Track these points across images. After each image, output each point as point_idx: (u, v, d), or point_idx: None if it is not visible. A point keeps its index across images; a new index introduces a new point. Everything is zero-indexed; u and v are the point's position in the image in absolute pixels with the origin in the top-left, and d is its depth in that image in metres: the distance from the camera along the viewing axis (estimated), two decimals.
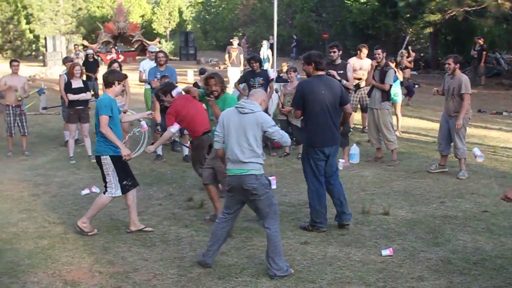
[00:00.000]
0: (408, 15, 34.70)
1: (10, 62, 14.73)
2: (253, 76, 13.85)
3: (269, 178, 8.02)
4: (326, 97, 8.44)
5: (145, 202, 10.18)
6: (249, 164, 6.97)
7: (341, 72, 12.40)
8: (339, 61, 12.61)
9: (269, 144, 13.91)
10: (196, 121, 10.14)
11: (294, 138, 13.70)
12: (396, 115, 16.16)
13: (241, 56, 25.95)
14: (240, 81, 14.72)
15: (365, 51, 15.41)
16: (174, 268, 7.28)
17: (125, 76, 8.86)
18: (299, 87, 9.03)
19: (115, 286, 6.79)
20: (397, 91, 15.99)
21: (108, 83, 8.55)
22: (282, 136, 7.19)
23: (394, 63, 16.35)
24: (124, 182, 8.52)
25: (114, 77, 8.57)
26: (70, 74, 13.58)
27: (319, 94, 8.36)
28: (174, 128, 9.82)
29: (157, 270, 7.25)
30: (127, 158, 8.38)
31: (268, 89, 13.87)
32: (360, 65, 15.25)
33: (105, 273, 7.17)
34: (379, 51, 12.47)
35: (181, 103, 10.15)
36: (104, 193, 8.58)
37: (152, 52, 15.50)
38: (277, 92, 13.67)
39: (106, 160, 8.38)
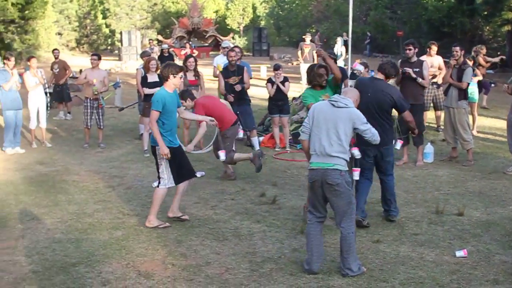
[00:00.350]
0: (485, 13, 34.06)
1: (91, 56, 15.06)
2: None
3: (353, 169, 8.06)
4: (372, 99, 8.54)
5: (217, 196, 10.25)
6: (335, 159, 6.90)
7: (417, 70, 12.20)
8: (414, 58, 12.41)
9: None
10: (225, 113, 10.91)
11: None
12: (473, 114, 15.88)
13: (314, 53, 25.86)
14: None
15: (434, 48, 15.18)
16: (246, 263, 7.32)
17: (180, 69, 8.77)
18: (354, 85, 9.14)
19: (188, 278, 6.86)
20: (474, 90, 15.71)
21: (163, 77, 8.65)
22: (373, 135, 7.14)
23: (472, 61, 16.04)
24: (177, 173, 8.67)
25: (168, 71, 8.57)
26: (146, 68, 13.76)
27: (365, 95, 8.28)
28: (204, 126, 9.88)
29: (229, 264, 7.29)
30: (164, 157, 8.43)
31: (343, 86, 13.75)
32: (431, 63, 15.02)
33: (177, 265, 7.25)
34: (457, 48, 12.23)
35: (206, 99, 10.99)
36: (158, 186, 8.76)
37: (225, 48, 15.55)
38: None
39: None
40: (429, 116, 16.29)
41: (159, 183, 8.72)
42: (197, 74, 13.68)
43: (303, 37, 26.32)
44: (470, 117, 15.09)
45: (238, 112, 11.95)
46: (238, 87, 13.08)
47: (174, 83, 8.62)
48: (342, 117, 6.94)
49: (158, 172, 8.67)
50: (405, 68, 11.98)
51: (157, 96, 8.45)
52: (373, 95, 8.59)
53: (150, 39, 33.13)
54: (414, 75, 11.88)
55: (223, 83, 13.29)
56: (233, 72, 13.26)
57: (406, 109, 8.88)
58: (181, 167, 8.73)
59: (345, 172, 6.96)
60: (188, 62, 13.61)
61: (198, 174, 11.47)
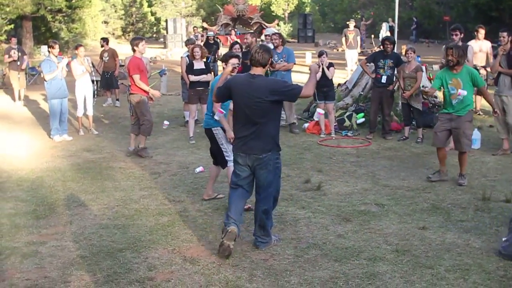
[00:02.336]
0: None
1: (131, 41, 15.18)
2: (383, 58, 13.66)
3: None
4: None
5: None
6: None
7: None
8: (460, 43, 12.25)
9: (386, 127, 13.79)
10: None
11: (414, 122, 13.56)
12: None
13: (358, 38, 25.74)
14: (368, 60, 14.53)
15: (482, 31, 14.99)
16: (290, 249, 7.32)
17: (231, 56, 9.00)
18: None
19: (233, 264, 6.89)
20: None
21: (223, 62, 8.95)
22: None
23: None
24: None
25: (225, 57, 8.98)
26: (191, 56, 13.84)
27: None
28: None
29: (274, 250, 7.30)
30: (231, 141, 8.45)
31: (395, 73, 13.66)
32: (479, 47, 14.82)
33: None
34: (504, 34, 11.90)
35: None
36: (224, 166, 9.06)
37: (268, 35, 15.54)
38: (396, 77, 13.48)
39: (218, 131, 8.84)
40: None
41: (225, 164, 9.00)
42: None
43: (347, 23, 26.19)
44: None
45: None
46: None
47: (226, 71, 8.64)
48: None
49: (222, 153, 8.97)
50: None
51: (213, 83, 8.73)
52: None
53: (194, 26, 33.24)
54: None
55: None
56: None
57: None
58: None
59: None
60: (234, 48, 13.66)
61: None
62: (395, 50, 16.40)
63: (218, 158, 9.14)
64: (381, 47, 14.16)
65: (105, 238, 7.78)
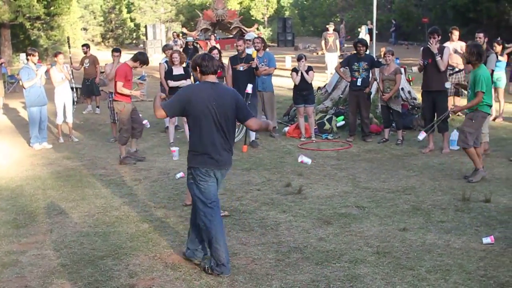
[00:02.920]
0: None
1: (112, 52, 15.20)
2: (357, 60, 13.73)
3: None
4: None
5: (243, 187, 10.28)
6: None
7: (439, 57, 12.19)
8: (437, 46, 12.32)
9: (365, 130, 13.85)
10: None
11: (394, 124, 13.64)
12: (499, 100, 15.75)
13: (337, 42, 25.83)
14: (342, 64, 14.58)
15: (456, 33, 15.19)
16: (272, 253, 7.32)
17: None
18: None
19: None
20: (500, 76, 15.54)
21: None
22: None
23: (501, 46, 15.87)
24: None
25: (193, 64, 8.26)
26: (170, 61, 13.85)
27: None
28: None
29: (255, 254, 7.30)
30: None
31: (370, 75, 13.73)
32: (454, 48, 14.95)
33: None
34: (481, 35, 12.05)
35: None
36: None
37: (248, 40, 15.54)
38: (376, 80, 13.53)
39: None
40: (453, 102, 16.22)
41: None
42: (221, 65, 13.74)
43: (327, 26, 26.28)
44: (497, 103, 15.01)
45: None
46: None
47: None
48: None
49: None
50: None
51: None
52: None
53: (174, 32, 33.13)
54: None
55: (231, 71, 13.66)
56: (241, 59, 13.53)
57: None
58: None
59: None
60: (212, 53, 13.66)
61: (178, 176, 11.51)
62: (374, 53, 16.48)
63: None
64: (354, 50, 14.20)
65: (86, 245, 7.75)
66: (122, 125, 12.25)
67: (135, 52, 13.22)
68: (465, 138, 10.16)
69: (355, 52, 14.12)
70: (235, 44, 13.98)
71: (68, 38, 23.51)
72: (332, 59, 24.92)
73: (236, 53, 13.76)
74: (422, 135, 10.74)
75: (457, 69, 15.40)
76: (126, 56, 19.05)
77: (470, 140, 10.15)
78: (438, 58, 12.03)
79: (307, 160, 9.23)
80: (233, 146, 6.86)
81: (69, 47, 21.34)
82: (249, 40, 15.61)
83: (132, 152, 12.57)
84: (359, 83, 13.67)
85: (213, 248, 6.68)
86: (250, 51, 14.73)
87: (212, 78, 6.84)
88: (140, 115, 13.16)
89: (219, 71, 13.23)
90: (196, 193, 6.74)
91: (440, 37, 12.36)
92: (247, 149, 11.79)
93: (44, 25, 36.29)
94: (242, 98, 6.93)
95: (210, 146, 6.59)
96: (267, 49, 15.08)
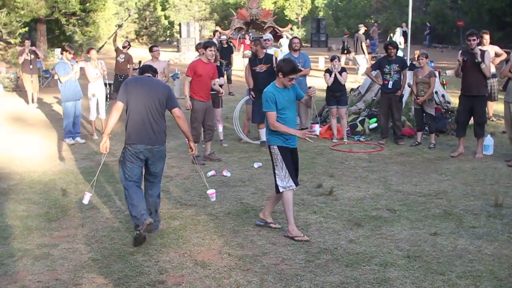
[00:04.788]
0: None
1: (150, 48, 15.27)
2: (388, 63, 13.67)
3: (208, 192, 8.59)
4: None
5: (274, 187, 10.26)
6: None
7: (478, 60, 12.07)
8: (477, 49, 12.16)
9: (397, 132, 13.78)
10: None
11: (427, 127, 13.55)
12: None
13: (363, 44, 25.83)
14: (374, 67, 14.50)
15: (486, 37, 15.04)
16: (302, 254, 7.32)
17: (294, 70, 7.84)
18: None
19: (244, 268, 6.89)
20: None
21: (277, 71, 7.84)
22: None
23: None
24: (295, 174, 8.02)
25: (279, 67, 7.76)
26: None
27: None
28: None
29: (285, 254, 7.30)
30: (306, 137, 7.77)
31: (402, 77, 13.66)
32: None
33: (234, 255, 7.29)
34: None
35: None
36: (276, 191, 8.05)
37: (265, 40, 15.41)
38: (409, 86, 13.42)
39: (274, 150, 7.91)
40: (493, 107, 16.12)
41: (277, 189, 8.03)
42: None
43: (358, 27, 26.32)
44: None
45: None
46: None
47: (284, 83, 7.80)
48: None
49: (274, 175, 8.05)
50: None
51: (264, 95, 7.82)
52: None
53: (215, 31, 33.01)
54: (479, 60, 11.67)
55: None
56: (260, 60, 13.41)
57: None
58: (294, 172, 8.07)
59: None
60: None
61: (256, 165, 11.55)
62: (408, 55, 16.38)
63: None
64: (385, 52, 14.12)
65: (117, 241, 7.81)
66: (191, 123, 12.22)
67: (169, 49, 13.24)
68: None
69: (385, 54, 14.05)
70: (251, 47, 13.94)
71: (116, 30, 23.38)
72: (364, 61, 24.95)
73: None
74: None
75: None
76: (162, 54, 19.12)
77: None
78: (483, 66, 11.83)
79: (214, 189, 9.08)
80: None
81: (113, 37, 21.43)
82: (268, 39, 15.54)
83: (207, 154, 12.54)
84: (390, 86, 13.62)
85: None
86: (272, 51, 14.76)
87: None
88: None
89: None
90: None
91: (479, 39, 12.18)
92: None
93: (80, 21, 36.50)
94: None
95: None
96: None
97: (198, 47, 15.51)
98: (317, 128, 7.78)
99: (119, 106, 8.04)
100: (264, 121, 8.28)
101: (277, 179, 7.96)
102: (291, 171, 7.92)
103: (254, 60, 13.47)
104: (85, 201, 8.28)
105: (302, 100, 8.17)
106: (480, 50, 12.12)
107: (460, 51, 12.77)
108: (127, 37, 20.24)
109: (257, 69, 13.24)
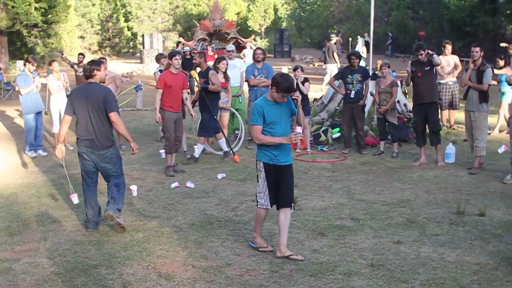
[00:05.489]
0: (508, 11, 33.82)
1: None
2: (351, 73, 13.72)
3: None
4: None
5: (238, 198, 10.27)
6: None
7: (427, 68, 12.23)
8: (425, 59, 12.34)
9: (360, 142, 13.85)
10: None
11: (390, 136, 13.65)
12: (499, 114, 15.76)
13: (335, 54, 25.90)
14: (336, 77, 14.56)
15: (449, 47, 15.50)
16: (266, 264, 7.32)
17: (290, 90, 7.55)
18: None
19: (208, 280, 6.87)
20: (506, 90, 15.47)
21: (271, 84, 7.50)
22: None
23: (503, 61, 15.94)
24: (275, 195, 7.63)
25: (275, 82, 7.40)
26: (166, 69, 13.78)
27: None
28: None
29: (249, 265, 7.30)
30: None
31: (364, 86, 13.73)
32: (447, 61, 15.12)
33: (198, 267, 7.27)
34: (477, 49, 11.93)
35: None
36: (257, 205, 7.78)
37: (229, 51, 15.44)
38: (372, 95, 13.52)
39: (259, 166, 7.62)
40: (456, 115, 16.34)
41: (257, 201, 7.75)
42: (226, 76, 13.68)
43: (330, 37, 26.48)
44: (495, 117, 15.09)
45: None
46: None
47: (274, 96, 7.47)
48: None
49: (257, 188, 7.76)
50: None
51: (253, 108, 7.57)
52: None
53: (179, 42, 32.84)
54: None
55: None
56: (201, 74, 13.41)
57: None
58: (279, 191, 7.65)
59: None
60: (222, 63, 13.61)
61: (219, 176, 11.54)
62: (370, 65, 16.51)
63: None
64: (347, 62, 14.18)
65: (80, 254, 7.74)
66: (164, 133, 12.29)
67: (132, 61, 13.20)
68: None
69: (348, 64, 14.13)
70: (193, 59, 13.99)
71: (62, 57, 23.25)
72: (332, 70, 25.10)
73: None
74: (502, 149, 10.45)
75: (451, 82, 15.59)
76: (121, 65, 19.02)
77: None
78: (435, 59, 12.19)
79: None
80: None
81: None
82: (232, 51, 15.53)
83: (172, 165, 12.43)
84: (353, 95, 13.65)
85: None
86: (236, 62, 14.84)
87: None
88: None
89: (225, 81, 13.28)
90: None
91: (427, 51, 12.38)
92: (239, 159, 11.90)
93: (41, 33, 36.29)
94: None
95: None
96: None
97: (159, 58, 15.42)
98: (298, 129, 7.59)
99: (66, 119, 8.68)
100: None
101: (257, 194, 7.73)
102: (271, 191, 7.58)
103: (199, 73, 13.48)
104: (76, 201, 9.26)
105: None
106: (428, 60, 12.32)
107: (410, 61, 12.99)
108: (83, 52, 19.91)
109: (201, 83, 13.20)
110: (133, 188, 10.45)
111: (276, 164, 7.55)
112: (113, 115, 8.46)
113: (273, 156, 7.53)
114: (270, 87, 7.58)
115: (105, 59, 15.51)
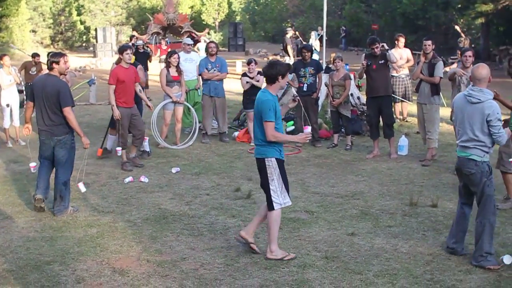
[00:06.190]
0: (459, 5, 34.27)
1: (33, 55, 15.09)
2: (304, 66, 13.76)
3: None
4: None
5: (192, 192, 10.25)
6: (472, 149, 7.04)
7: (382, 62, 12.35)
8: (379, 53, 12.45)
9: (314, 135, 13.90)
10: None
11: (343, 129, 13.74)
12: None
13: (289, 47, 25.99)
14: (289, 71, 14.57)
15: (402, 40, 15.75)
16: (221, 258, 7.33)
17: (289, 67, 7.68)
18: None
19: (163, 274, 6.85)
20: None
21: (271, 79, 7.38)
22: (500, 135, 6.97)
23: (459, 53, 16.14)
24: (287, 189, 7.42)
25: (277, 71, 7.33)
26: (169, 64, 13.66)
27: None
28: None
29: (204, 259, 7.29)
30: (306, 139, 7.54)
31: (317, 79, 13.78)
32: (400, 55, 15.28)
33: (152, 261, 7.24)
34: (429, 42, 12.03)
35: None
36: (269, 208, 7.34)
37: (188, 45, 15.42)
38: (326, 85, 13.60)
39: (271, 162, 7.28)
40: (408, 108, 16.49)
41: (270, 205, 7.31)
42: (179, 70, 13.63)
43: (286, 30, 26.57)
44: (447, 109, 15.26)
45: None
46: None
47: (282, 85, 7.59)
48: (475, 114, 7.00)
49: (268, 190, 7.32)
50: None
51: (268, 104, 7.23)
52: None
53: (132, 35, 32.60)
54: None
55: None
56: None
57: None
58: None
59: (481, 162, 7.06)
60: (173, 58, 13.56)
61: (174, 170, 11.49)
62: (324, 59, 16.58)
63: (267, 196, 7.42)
64: (300, 56, 14.26)
65: (32, 251, 7.64)
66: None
67: (85, 55, 13.08)
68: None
69: (300, 58, 14.16)
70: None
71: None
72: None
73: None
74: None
75: (403, 75, 15.76)
76: (74, 59, 18.84)
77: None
78: (389, 54, 12.47)
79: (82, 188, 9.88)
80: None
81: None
82: (190, 44, 15.50)
83: (131, 157, 12.31)
84: (305, 89, 13.67)
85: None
86: (193, 55, 14.84)
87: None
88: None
89: (177, 75, 13.21)
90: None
91: (381, 44, 12.53)
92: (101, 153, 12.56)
93: None
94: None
95: None
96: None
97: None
98: (308, 129, 7.50)
99: (29, 104, 9.49)
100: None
101: (272, 195, 7.26)
102: (287, 186, 7.38)
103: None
104: (83, 189, 9.80)
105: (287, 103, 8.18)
106: (381, 53, 12.46)
107: (363, 55, 13.08)
108: (37, 55, 19.51)
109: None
110: (32, 164, 10.45)
111: (282, 159, 7.40)
112: (65, 110, 8.95)
113: (279, 151, 7.38)
114: (269, 82, 7.42)
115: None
